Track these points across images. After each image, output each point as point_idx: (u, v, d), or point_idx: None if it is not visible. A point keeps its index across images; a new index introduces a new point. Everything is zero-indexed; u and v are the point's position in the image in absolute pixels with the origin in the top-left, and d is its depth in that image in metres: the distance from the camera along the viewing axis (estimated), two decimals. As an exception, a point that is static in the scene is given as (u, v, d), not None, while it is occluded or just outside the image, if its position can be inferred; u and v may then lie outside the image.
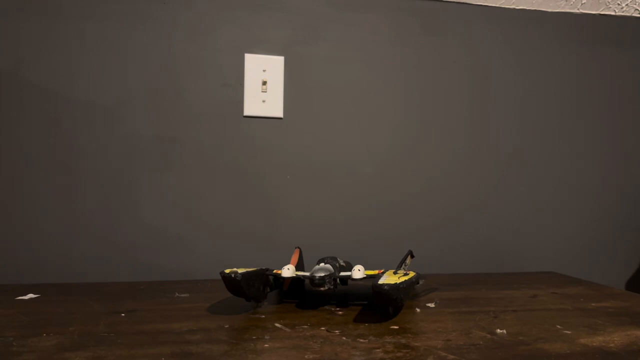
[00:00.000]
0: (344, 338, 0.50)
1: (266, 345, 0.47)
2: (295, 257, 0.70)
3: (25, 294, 0.69)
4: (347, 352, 0.45)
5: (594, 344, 0.49)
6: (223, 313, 0.60)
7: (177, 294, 0.70)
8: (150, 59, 0.86)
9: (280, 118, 0.90)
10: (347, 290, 0.75)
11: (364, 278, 0.61)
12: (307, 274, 0.62)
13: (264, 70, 0.89)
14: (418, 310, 0.62)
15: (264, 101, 0.89)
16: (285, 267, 0.62)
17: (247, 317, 0.58)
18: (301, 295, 0.70)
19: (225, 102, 0.88)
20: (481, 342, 0.49)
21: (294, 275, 0.62)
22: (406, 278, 0.58)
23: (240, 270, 0.58)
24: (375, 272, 0.64)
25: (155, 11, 0.86)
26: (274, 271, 0.64)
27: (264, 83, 0.89)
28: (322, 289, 0.58)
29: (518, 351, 0.47)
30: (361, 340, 0.49)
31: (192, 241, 0.87)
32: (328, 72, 0.92)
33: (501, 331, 0.53)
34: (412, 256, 0.77)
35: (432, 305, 0.65)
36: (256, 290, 0.61)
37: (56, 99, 0.82)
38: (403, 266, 0.71)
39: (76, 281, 0.83)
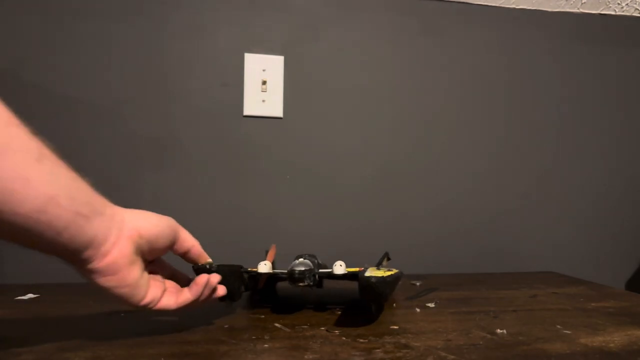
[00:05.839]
0: (344, 338, 0.50)
1: (266, 345, 0.47)
2: (272, 253, 0.65)
3: (25, 294, 0.69)
4: (347, 352, 0.45)
5: (594, 344, 0.49)
6: (223, 313, 0.60)
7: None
8: (150, 59, 0.86)
9: (280, 118, 0.90)
10: (324, 293, 0.69)
11: (345, 274, 0.58)
12: (285, 271, 0.57)
13: (263, 70, 0.89)
14: (418, 310, 0.62)
15: (263, 101, 0.89)
16: (262, 263, 0.58)
17: (247, 317, 0.58)
18: (274, 299, 0.65)
19: (225, 102, 0.88)
20: (481, 342, 0.49)
21: (271, 271, 0.58)
22: (391, 273, 0.56)
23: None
24: (357, 269, 0.59)
25: (154, 10, 0.86)
26: (249, 268, 0.59)
27: (264, 83, 0.89)
28: (301, 284, 0.55)
29: (518, 351, 0.47)
30: (361, 340, 0.49)
31: (192, 241, 0.87)
32: (328, 72, 0.92)
33: (501, 331, 0.53)
34: (389, 258, 0.74)
35: (432, 305, 0.65)
36: (233, 287, 0.55)
37: (56, 99, 0.82)
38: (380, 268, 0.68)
39: (76, 281, 0.83)
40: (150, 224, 0.46)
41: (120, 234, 0.43)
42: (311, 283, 0.56)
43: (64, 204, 0.38)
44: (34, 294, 0.69)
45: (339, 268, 0.58)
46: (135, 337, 0.49)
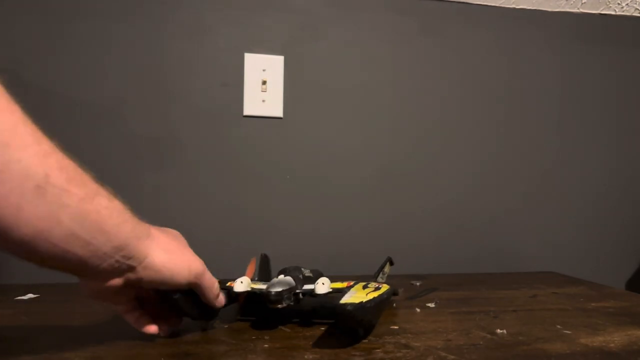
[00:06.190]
0: (344, 338, 0.50)
1: (266, 346, 0.47)
2: (251, 268, 0.60)
3: (25, 294, 0.69)
4: (347, 352, 0.45)
5: (594, 344, 0.49)
6: (223, 313, 0.59)
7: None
8: (150, 59, 0.86)
9: (280, 118, 0.90)
10: (314, 304, 0.62)
11: (329, 293, 0.53)
12: (264, 287, 0.53)
13: (263, 70, 0.89)
14: (418, 310, 0.62)
15: (263, 101, 0.89)
16: (239, 280, 0.54)
17: (247, 317, 0.58)
18: (260, 311, 0.58)
19: (225, 102, 0.88)
20: (481, 342, 0.49)
21: (249, 289, 0.54)
22: (376, 294, 0.49)
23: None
24: (344, 284, 0.54)
25: (154, 10, 0.85)
26: (227, 284, 0.55)
27: (264, 83, 0.89)
28: (279, 306, 0.50)
29: (518, 351, 0.47)
30: (361, 340, 0.49)
31: (191, 241, 0.87)
32: (328, 72, 0.92)
33: (501, 331, 0.53)
34: (392, 263, 0.70)
35: (432, 305, 0.65)
36: (203, 308, 0.51)
37: (56, 99, 0.82)
38: (381, 275, 0.66)
39: (76, 281, 0.83)
40: (162, 277, 0.44)
41: (119, 274, 0.42)
42: (291, 303, 0.51)
43: (54, 241, 0.36)
44: (34, 294, 0.69)
45: (322, 287, 0.53)
46: (135, 337, 0.49)
